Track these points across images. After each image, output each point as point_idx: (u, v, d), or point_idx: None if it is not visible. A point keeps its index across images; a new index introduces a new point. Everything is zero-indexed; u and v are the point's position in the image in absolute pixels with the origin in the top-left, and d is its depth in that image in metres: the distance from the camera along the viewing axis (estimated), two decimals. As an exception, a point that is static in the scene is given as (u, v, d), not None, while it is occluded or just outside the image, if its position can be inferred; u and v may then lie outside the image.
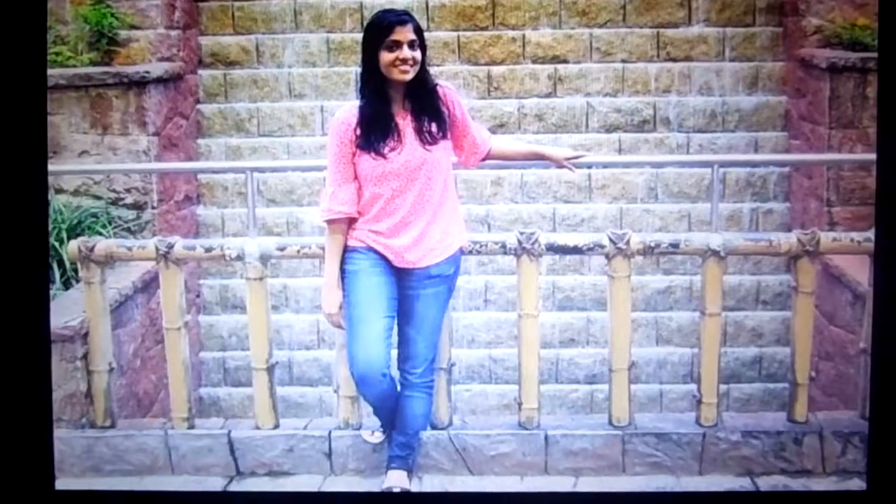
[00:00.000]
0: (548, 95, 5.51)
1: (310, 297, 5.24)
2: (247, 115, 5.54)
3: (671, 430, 3.19)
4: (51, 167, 3.82)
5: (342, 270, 2.81)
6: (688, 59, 5.50)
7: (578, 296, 5.28)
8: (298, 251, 3.25)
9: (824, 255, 3.71)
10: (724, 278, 3.24)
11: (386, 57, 2.65)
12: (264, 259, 3.23)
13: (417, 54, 2.67)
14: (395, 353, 2.89)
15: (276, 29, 5.61)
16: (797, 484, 3.10)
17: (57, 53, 4.97)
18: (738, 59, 5.49)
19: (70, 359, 3.39)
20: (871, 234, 3.13)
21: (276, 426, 3.28)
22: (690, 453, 3.17)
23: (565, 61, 5.52)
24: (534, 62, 5.54)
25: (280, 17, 5.61)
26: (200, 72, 5.58)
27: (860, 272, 4.01)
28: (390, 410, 2.97)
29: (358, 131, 2.72)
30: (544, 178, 5.35)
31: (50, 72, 4.68)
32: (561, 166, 3.10)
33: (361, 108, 2.73)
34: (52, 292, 4.03)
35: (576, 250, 3.23)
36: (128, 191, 4.95)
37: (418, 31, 2.69)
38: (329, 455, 3.20)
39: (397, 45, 2.64)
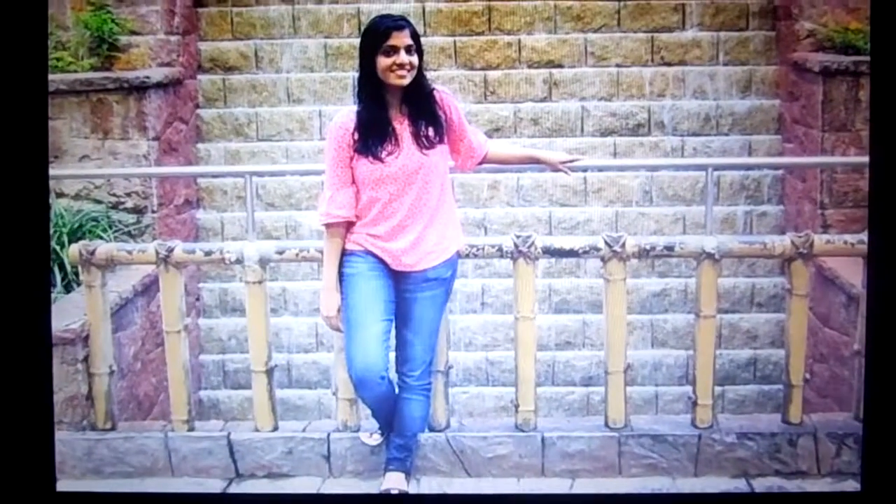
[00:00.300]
0: (543, 100, 5.54)
1: (308, 300, 5.25)
2: (246, 119, 5.56)
3: (667, 432, 3.20)
4: (52, 171, 3.85)
5: (340, 274, 2.82)
6: (682, 63, 5.53)
7: (574, 298, 5.30)
8: (297, 255, 3.27)
9: (818, 258, 3.74)
10: (718, 281, 3.26)
11: (383, 62, 2.67)
12: (263, 262, 3.25)
13: (414, 59, 2.69)
14: (393, 355, 2.91)
15: (275, 34, 5.64)
16: (792, 485, 3.11)
17: (58, 59, 4.99)
18: (732, 62, 5.53)
19: (71, 361, 3.41)
20: (864, 236, 3.14)
21: (276, 428, 3.30)
22: (686, 455, 3.18)
23: (560, 66, 5.56)
24: (529, 67, 5.57)
25: (278, 22, 5.63)
26: (200, 77, 5.60)
27: (854, 274, 4.03)
28: (388, 413, 2.99)
29: (356, 136, 2.73)
30: (540, 182, 5.38)
31: (51, 77, 4.70)
32: (556, 170, 3.12)
33: (359, 113, 2.75)
34: (53, 296, 4.05)
35: (572, 253, 3.24)
36: (128, 195, 4.97)
37: (415, 36, 2.71)
38: (328, 457, 3.22)
39: (394, 50, 2.66)
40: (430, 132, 2.77)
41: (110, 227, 4.79)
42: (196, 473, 3.24)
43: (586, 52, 5.56)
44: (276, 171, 5.46)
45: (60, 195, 4.87)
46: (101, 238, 4.51)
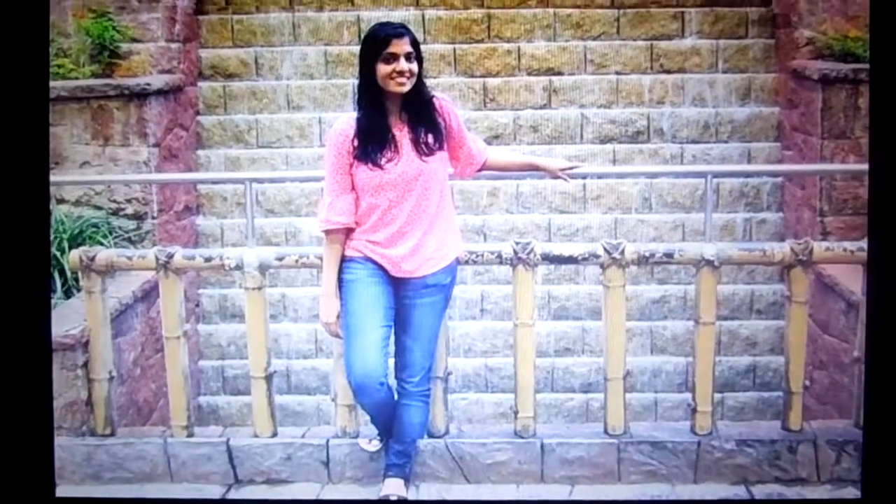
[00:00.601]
0: (543, 107, 5.56)
1: (308, 306, 5.26)
2: (246, 126, 5.58)
3: (666, 439, 3.20)
4: (52, 178, 3.86)
5: (340, 280, 2.83)
6: (681, 70, 5.55)
7: (573, 305, 5.31)
8: (297, 261, 3.28)
9: (818, 265, 3.75)
10: (718, 288, 3.26)
11: (383, 69, 2.68)
12: (263, 269, 3.25)
13: (414, 66, 2.70)
14: (392, 362, 2.91)
15: (275, 42, 5.66)
16: (792, 492, 3.11)
17: (59, 66, 5.01)
18: (731, 70, 5.55)
19: (71, 367, 3.42)
20: (863, 243, 3.15)
21: (275, 434, 3.30)
22: (685, 462, 3.18)
23: (560, 73, 5.58)
24: (529, 74, 5.59)
25: (278, 30, 5.66)
26: (200, 84, 5.62)
27: (853, 281, 4.04)
28: (387, 419, 2.99)
29: (355, 142, 2.74)
30: (539, 189, 5.39)
31: (52, 84, 4.73)
32: (556, 177, 3.13)
33: (359, 120, 2.76)
34: (53, 301, 4.05)
35: (571, 260, 3.25)
36: (128, 201, 4.99)
37: (415, 43, 2.72)
38: (327, 463, 3.22)
39: (394, 57, 2.67)
40: (430, 139, 2.78)
41: (110, 233, 4.80)
42: (195, 479, 3.24)
43: (586, 60, 5.58)
44: (275, 177, 5.49)
45: (61, 201, 4.89)
46: (102, 244, 4.52)
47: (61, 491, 2.94)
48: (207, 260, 3.33)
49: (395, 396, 2.95)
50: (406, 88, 2.71)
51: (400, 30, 2.71)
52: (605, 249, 3.18)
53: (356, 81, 2.83)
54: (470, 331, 5.27)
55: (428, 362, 2.95)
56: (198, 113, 5.61)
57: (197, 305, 5.37)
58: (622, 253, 3.18)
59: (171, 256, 3.25)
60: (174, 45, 5.39)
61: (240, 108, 5.61)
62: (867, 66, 4.48)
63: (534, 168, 3.19)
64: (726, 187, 5.38)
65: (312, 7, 5.69)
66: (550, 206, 5.42)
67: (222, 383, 5.34)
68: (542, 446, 3.20)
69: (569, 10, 5.62)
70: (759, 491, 3.12)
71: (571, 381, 5.24)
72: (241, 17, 5.68)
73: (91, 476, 3.25)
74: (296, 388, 5.27)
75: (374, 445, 3.18)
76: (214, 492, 3.19)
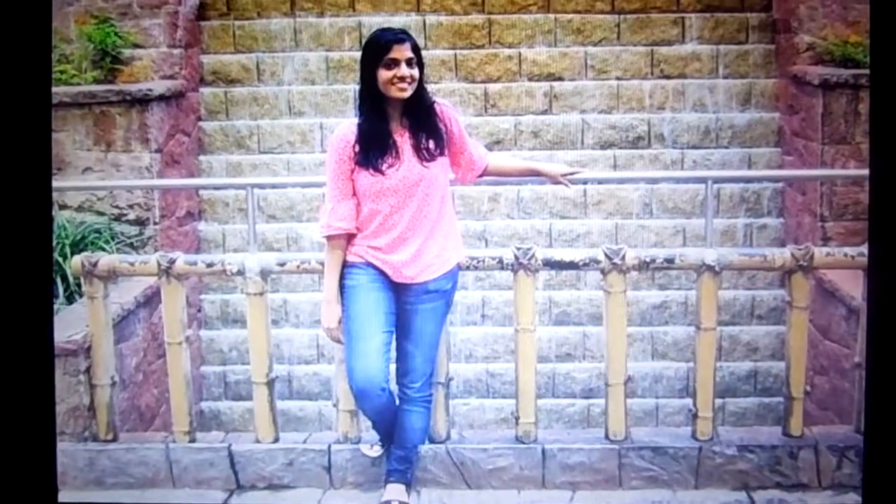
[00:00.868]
0: (543, 112, 5.57)
1: (309, 311, 5.27)
2: (247, 132, 5.60)
3: (667, 444, 3.20)
4: (55, 183, 3.87)
5: (341, 285, 2.83)
6: (681, 76, 5.57)
7: (574, 311, 5.31)
8: (298, 266, 3.28)
9: (818, 270, 3.75)
10: (718, 293, 3.26)
11: (384, 75, 2.69)
12: (264, 274, 3.26)
13: (415, 72, 2.71)
14: (393, 367, 2.92)
15: (276, 48, 5.68)
16: (793, 498, 3.11)
17: (61, 72, 5.03)
18: (732, 76, 5.56)
19: (73, 373, 3.42)
20: (864, 248, 3.16)
21: (276, 440, 3.30)
22: (686, 467, 3.18)
23: (561, 79, 5.59)
24: (530, 80, 5.61)
25: (280, 36, 5.67)
26: (202, 89, 5.64)
27: (854, 287, 4.04)
28: (389, 424, 2.99)
29: (356, 148, 2.75)
30: (540, 194, 5.40)
31: (54, 90, 4.75)
32: (557, 182, 3.13)
33: (360, 126, 2.77)
34: (55, 307, 4.06)
35: (572, 265, 3.26)
36: (130, 207, 5.00)
37: (416, 49, 2.72)
38: (328, 469, 3.22)
39: (395, 63, 2.68)
40: (431, 145, 2.78)
41: (112, 238, 4.81)
42: (197, 485, 3.24)
43: (586, 66, 5.59)
44: (277, 183, 5.49)
45: (63, 207, 4.90)
46: (104, 250, 4.53)
47: (63, 496, 2.93)
48: (209, 265, 3.34)
49: (397, 402, 2.95)
50: (407, 94, 2.71)
51: (401, 35, 2.72)
52: (606, 255, 3.19)
53: (357, 87, 2.84)
54: (471, 336, 5.28)
55: (429, 368, 2.96)
56: (199, 118, 5.63)
57: (199, 311, 5.38)
58: (623, 258, 3.18)
59: (172, 262, 3.26)
60: (176, 51, 5.40)
61: (241, 113, 5.63)
62: (867, 71, 4.48)
63: (534, 173, 3.19)
64: (727, 193, 5.39)
65: (313, 13, 5.71)
66: (551, 211, 5.42)
67: (224, 389, 5.34)
68: (544, 452, 3.20)
69: (569, 16, 5.64)
70: (761, 496, 3.12)
71: (572, 386, 5.24)
72: (243, 23, 5.70)
73: (93, 481, 3.25)
74: (297, 393, 5.28)
75: (376, 451, 3.19)
76: (216, 497, 3.20)
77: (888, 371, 2.29)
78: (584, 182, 5.01)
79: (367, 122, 2.76)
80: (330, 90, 5.62)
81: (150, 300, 4.47)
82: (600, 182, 5.40)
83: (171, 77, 5.35)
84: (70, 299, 4.25)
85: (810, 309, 3.30)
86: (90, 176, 4.99)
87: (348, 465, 3.21)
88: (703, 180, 3.90)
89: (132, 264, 3.36)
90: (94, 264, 3.27)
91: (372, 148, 2.74)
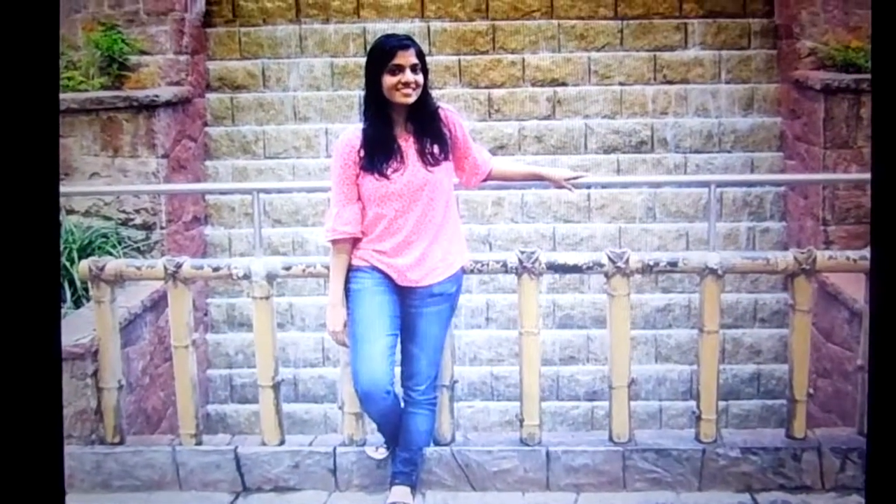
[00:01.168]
0: (547, 117, 5.59)
1: (315, 315, 5.28)
2: (253, 137, 5.62)
3: (671, 447, 3.21)
4: (62, 188, 3.89)
5: (346, 289, 2.85)
6: (684, 81, 5.58)
7: (578, 314, 5.32)
8: (304, 270, 3.29)
9: (821, 274, 3.75)
10: (721, 296, 3.27)
11: (389, 80, 2.70)
12: (270, 278, 3.27)
13: (419, 78, 2.72)
14: (398, 370, 2.93)
15: (282, 54, 5.71)
16: (796, 500, 3.12)
17: (69, 78, 5.06)
18: (734, 81, 5.58)
19: (80, 376, 3.44)
20: (866, 252, 3.17)
21: (282, 442, 3.32)
22: (690, 469, 3.19)
23: (564, 84, 5.61)
24: (533, 85, 5.63)
25: (285, 42, 5.71)
26: (208, 95, 5.67)
27: (856, 290, 4.05)
28: (394, 427, 3.01)
29: (361, 153, 2.76)
30: (544, 199, 5.41)
31: (62, 96, 4.77)
32: (560, 187, 3.15)
33: (365, 131, 2.78)
34: (63, 311, 4.09)
35: (575, 269, 3.27)
36: (137, 211, 5.03)
37: (420, 55, 2.74)
38: (334, 471, 3.23)
39: (400, 68, 2.69)
40: (435, 149, 2.80)
41: (119, 243, 4.83)
42: (203, 487, 3.26)
43: (590, 71, 5.61)
44: (283, 187, 5.51)
45: (71, 212, 4.93)
46: (111, 254, 4.55)
47: (71, 500, 2.93)
48: (215, 269, 3.36)
49: (402, 405, 2.97)
50: (412, 99, 2.73)
51: (405, 41, 2.74)
52: (610, 258, 3.20)
53: (362, 93, 2.87)
54: (475, 339, 5.29)
55: (434, 371, 2.97)
56: (206, 124, 5.66)
57: (205, 314, 5.40)
58: (626, 262, 3.19)
59: (179, 266, 3.27)
60: (182, 58, 5.44)
61: (247, 119, 5.66)
62: (869, 76, 4.49)
63: (538, 178, 3.21)
64: (729, 197, 5.39)
65: (319, 19, 5.74)
66: (555, 215, 5.44)
67: (230, 392, 5.36)
68: (548, 454, 3.21)
69: (573, 22, 5.66)
70: (764, 498, 3.13)
71: (576, 389, 5.25)
72: (249, 30, 5.73)
73: (100, 484, 3.27)
74: (303, 396, 5.29)
75: (381, 453, 3.20)
76: (223, 499, 3.21)
77: (891, 373, 2.30)
78: (588, 186, 5.02)
79: (372, 128, 2.77)
80: (335, 96, 5.64)
81: (157, 304, 4.49)
82: (604, 186, 5.42)
83: (177, 83, 5.39)
84: (77, 303, 4.27)
85: (813, 312, 3.32)
86: (97, 181, 5.02)
87: (354, 468, 3.22)
88: (705, 184, 3.92)
89: (139, 268, 3.37)
90: (102, 269, 3.28)
91: (377, 153, 2.76)
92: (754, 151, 5.49)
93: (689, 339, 5.09)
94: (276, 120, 5.64)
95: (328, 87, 5.66)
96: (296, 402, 5.23)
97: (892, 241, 2.31)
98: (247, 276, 3.28)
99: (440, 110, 2.84)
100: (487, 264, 3.21)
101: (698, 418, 3.26)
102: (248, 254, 5.14)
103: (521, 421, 3.27)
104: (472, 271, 3.15)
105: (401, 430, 3.00)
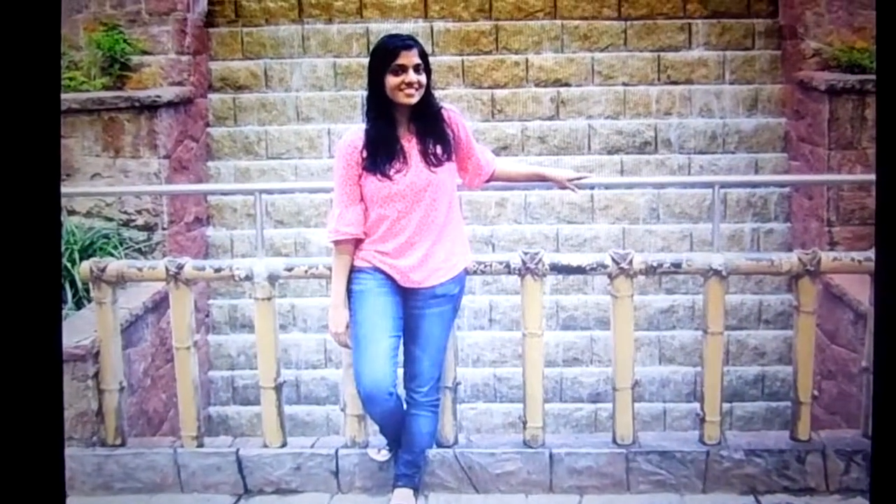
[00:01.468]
0: (550, 118, 5.58)
1: (317, 316, 5.28)
2: (255, 137, 5.62)
3: (675, 449, 3.21)
4: (63, 189, 3.89)
5: (349, 290, 2.84)
6: (688, 81, 5.57)
7: (582, 315, 5.31)
8: (306, 271, 3.29)
9: (825, 275, 3.74)
10: (726, 297, 3.26)
11: (392, 81, 2.70)
12: (272, 279, 3.27)
13: (422, 78, 2.72)
14: (401, 371, 2.93)
15: (284, 54, 5.71)
16: (800, 502, 3.11)
17: (70, 78, 5.06)
18: (738, 81, 5.56)
19: (81, 378, 3.43)
20: (871, 253, 3.16)
21: (284, 444, 3.31)
22: (694, 471, 3.18)
23: (567, 84, 5.60)
24: (536, 85, 5.62)
25: (288, 42, 5.70)
26: (210, 96, 5.67)
27: (861, 291, 4.02)
28: (396, 429, 3.00)
29: (364, 153, 2.76)
30: (547, 200, 5.41)
31: (63, 96, 4.76)
32: (564, 187, 3.15)
33: (367, 131, 2.78)
34: (64, 312, 4.08)
35: (579, 270, 3.26)
36: (139, 212, 5.02)
37: (423, 55, 2.74)
38: (336, 473, 3.23)
39: (403, 69, 2.69)
40: (438, 150, 2.79)
41: (121, 244, 4.82)
42: (205, 489, 3.25)
43: (593, 71, 5.60)
44: (285, 188, 5.51)
45: (72, 213, 4.92)
46: (112, 255, 4.54)
47: (72, 502, 2.93)
48: (217, 271, 3.35)
49: (404, 406, 2.96)
50: (415, 100, 2.72)
51: (408, 42, 2.73)
52: (614, 259, 3.19)
53: (365, 93, 2.86)
54: (479, 341, 5.28)
55: (437, 372, 2.96)
56: (208, 124, 5.65)
57: (207, 316, 5.40)
58: (630, 263, 3.18)
59: (181, 267, 3.27)
60: (184, 58, 5.43)
61: (249, 119, 5.65)
62: (873, 77, 4.48)
63: (542, 179, 3.20)
64: (734, 198, 5.38)
65: (322, 20, 5.74)
66: (558, 216, 5.43)
67: (232, 393, 5.36)
68: (551, 456, 3.20)
69: (576, 22, 5.65)
70: (768, 501, 3.12)
71: (580, 390, 5.24)
72: (251, 30, 5.73)
73: (101, 486, 3.26)
74: (305, 398, 5.29)
75: (384, 455, 3.19)
76: (224, 502, 3.20)
77: (896, 375, 2.29)
78: (591, 187, 5.01)
79: (375, 128, 2.77)
80: (338, 96, 5.64)
81: (159, 305, 4.48)
82: (607, 187, 5.40)
83: (179, 83, 5.38)
84: (79, 305, 4.26)
85: (817, 313, 3.31)
86: (99, 182, 5.01)
87: (356, 470, 3.21)
88: (710, 185, 3.92)
89: (140, 269, 3.37)
90: (103, 270, 3.28)
91: (380, 153, 2.75)
92: (758, 152, 5.48)
93: (692, 340, 5.08)
94: (279, 120, 5.63)
95: (331, 88, 5.66)
96: (298, 403, 5.22)
97: (897, 242, 2.30)
98: (249, 278, 3.28)
99: (443, 110, 2.84)
100: (491, 265, 3.20)
101: (702, 420, 3.25)
102: (250, 255, 5.14)
103: (525, 423, 3.26)
104: (475, 272, 3.14)
105: (403, 431, 2.99)
